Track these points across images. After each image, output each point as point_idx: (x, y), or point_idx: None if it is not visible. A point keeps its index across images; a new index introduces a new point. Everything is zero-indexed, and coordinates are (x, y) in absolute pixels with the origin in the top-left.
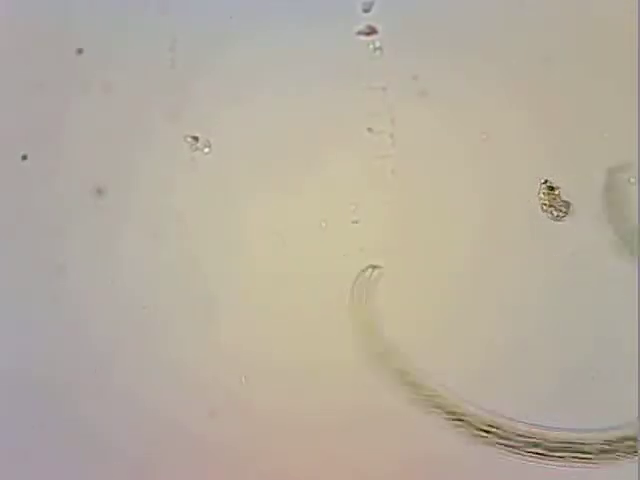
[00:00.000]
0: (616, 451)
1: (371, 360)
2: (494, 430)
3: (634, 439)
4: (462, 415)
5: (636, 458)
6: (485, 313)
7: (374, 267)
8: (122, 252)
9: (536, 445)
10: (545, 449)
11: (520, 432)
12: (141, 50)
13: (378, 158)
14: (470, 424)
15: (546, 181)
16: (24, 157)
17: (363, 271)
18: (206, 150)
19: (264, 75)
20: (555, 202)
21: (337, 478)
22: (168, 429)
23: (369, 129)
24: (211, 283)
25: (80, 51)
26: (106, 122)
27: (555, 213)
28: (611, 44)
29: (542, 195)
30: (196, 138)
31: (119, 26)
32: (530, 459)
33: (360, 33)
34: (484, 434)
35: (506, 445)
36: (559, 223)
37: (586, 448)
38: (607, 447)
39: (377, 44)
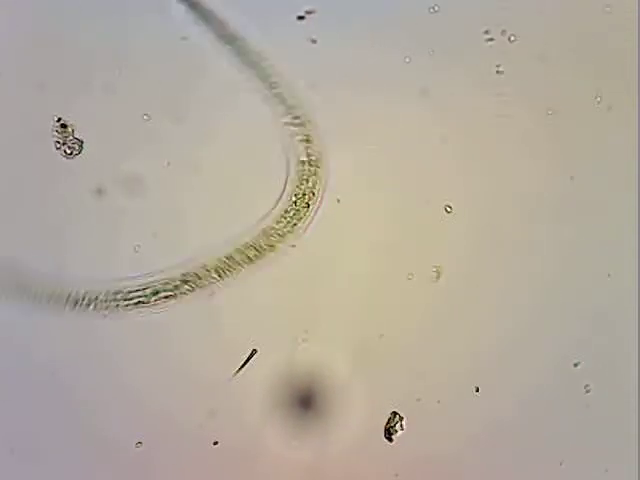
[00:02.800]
0: None
1: None
2: None
3: None
4: None
5: None
6: None
7: None
8: (122, 252)
9: None
10: None
11: None
12: (141, 50)
13: None
14: None
15: (59, 119)
16: (25, 157)
17: None
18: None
19: None
20: (68, 140)
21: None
22: (168, 428)
23: None
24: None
25: (80, 52)
26: (106, 122)
27: (68, 151)
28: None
29: (55, 133)
30: None
31: (120, 27)
32: None
33: None
34: None
35: None
36: (71, 161)
37: None
38: None
39: None
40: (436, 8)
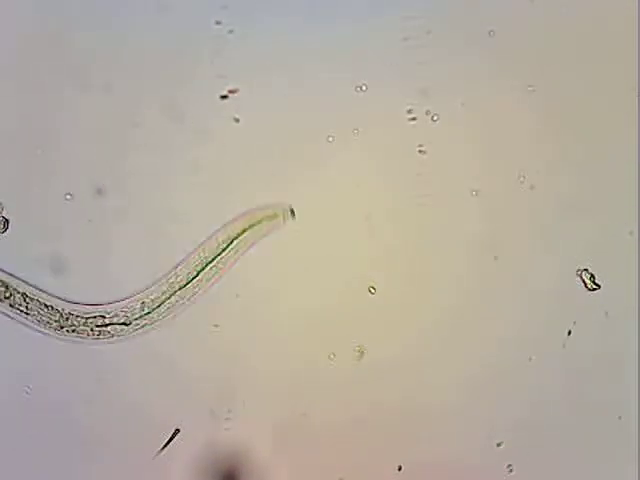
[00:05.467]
0: None
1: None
2: None
3: None
4: None
5: None
6: None
7: None
8: (122, 252)
9: None
10: None
11: None
12: (141, 50)
13: None
14: None
15: None
16: (24, 157)
17: None
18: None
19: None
20: None
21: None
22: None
23: None
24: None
25: (81, 52)
26: (106, 122)
27: None
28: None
29: None
30: None
31: (121, 27)
32: None
33: None
34: None
35: None
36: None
37: None
38: None
39: None
40: (364, 88)
